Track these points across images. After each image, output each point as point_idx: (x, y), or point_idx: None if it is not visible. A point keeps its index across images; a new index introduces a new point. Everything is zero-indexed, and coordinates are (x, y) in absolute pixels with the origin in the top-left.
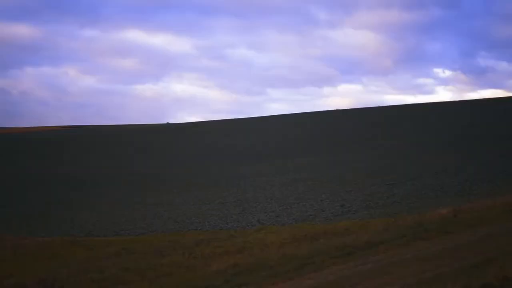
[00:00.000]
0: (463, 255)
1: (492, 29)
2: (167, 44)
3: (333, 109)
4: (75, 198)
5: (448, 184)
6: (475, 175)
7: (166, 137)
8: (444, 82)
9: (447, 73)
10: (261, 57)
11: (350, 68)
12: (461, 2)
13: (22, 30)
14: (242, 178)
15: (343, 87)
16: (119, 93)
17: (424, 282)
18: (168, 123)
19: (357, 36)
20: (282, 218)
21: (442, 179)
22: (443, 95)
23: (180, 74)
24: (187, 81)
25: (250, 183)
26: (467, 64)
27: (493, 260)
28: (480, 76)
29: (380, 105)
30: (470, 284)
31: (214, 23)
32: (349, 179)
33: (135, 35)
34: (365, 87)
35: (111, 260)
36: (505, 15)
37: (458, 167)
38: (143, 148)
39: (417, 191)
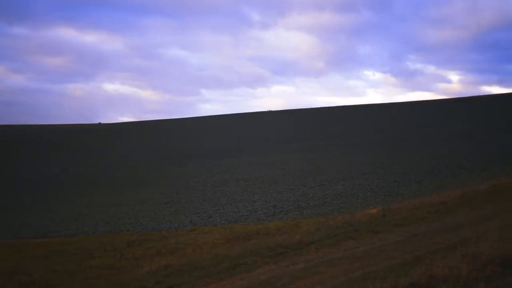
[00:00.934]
0: (391, 254)
1: (421, 33)
2: (99, 43)
3: (266, 110)
4: (0, 199)
5: (377, 185)
6: (403, 175)
7: (98, 137)
8: (375, 84)
9: (378, 75)
10: (194, 57)
11: (283, 69)
12: (392, 6)
13: None
14: (174, 179)
15: (276, 88)
16: (49, 92)
17: (354, 281)
18: (99, 123)
19: (290, 37)
20: (215, 219)
21: (372, 180)
22: (374, 97)
23: (112, 74)
24: (119, 80)
25: (183, 184)
26: (396, 67)
27: (420, 259)
28: (409, 79)
29: (312, 107)
30: (398, 283)
31: (147, 22)
32: (281, 179)
33: (66, 33)
34: (297, 89)
35: (40, 262)
36: (433, 20)
37: (387, 167)
38: (73, 149)
39: (348, 192)
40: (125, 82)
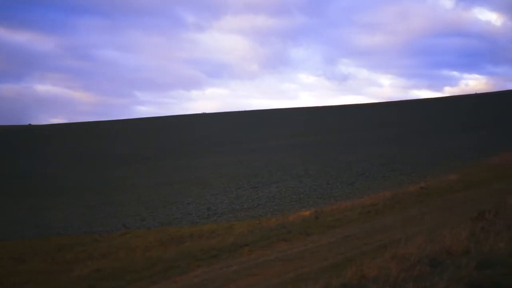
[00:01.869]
0: (324, 256)
1: (354, 38)
2: (30, 42)
3: (200, 112)
4: None
5: (310, 187)
6: (336, 178)
7: (28, 139)
8: (308, 87)
9: (311, 79)
10: (128, 58)
11: (218, 72)
12: (325, 10)
13: None
14: (107, 182)
15: (211, 91)
16: None
17: (287, 283)
18: (30, 124)
19: (225, 40)
20: (148, 222)
21: (305, 182)
22: (307, 100)
23: (43, 74)
24: (51, 81)
25: (115, 187)
26: (329, 70)
27: (351, 260)
28: (342, 82)
29: (247, 109)
30: (330, 284)
31: (79, 22)
32: (215, 182)
33: None
34: (232, 91)
35: None
36: (365, 25)
37: (320, 170)
38: (2, 151)
39: (281, 194)
40: (57, 83)
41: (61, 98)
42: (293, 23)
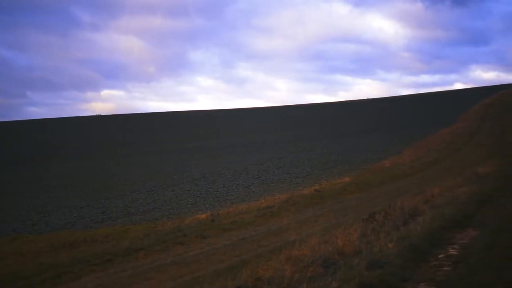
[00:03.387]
0: (220, 258)
1: (251, 42)
2: None
3: (95, 114)
4: None
5: (206, 190)
6: (232, 180)
7: None
8: (206, 90)
9: (209, 82)
10: (21, 58)
11: (114, 73)
12: (223, 14)
13: None
14: None
15: (107, 92)
16: None
17: (182, 286)
18: None
19: (121, 40)
20: (40, 226)
21: (201, 185)
22: (205, 103)
23: None
24: None
25: (5, 190)
26: (227, 73)
27: (247, 262)
28: (240, 85)
29: (143, 112)
30: (226, 286)
31: None
32: (110, 185)
33: None
34: (128, 93)
35: None
36: (263, 29)
37: (216, 173)
38: None
39: (177, 197)
40: None
41: None
42: (191, 25)
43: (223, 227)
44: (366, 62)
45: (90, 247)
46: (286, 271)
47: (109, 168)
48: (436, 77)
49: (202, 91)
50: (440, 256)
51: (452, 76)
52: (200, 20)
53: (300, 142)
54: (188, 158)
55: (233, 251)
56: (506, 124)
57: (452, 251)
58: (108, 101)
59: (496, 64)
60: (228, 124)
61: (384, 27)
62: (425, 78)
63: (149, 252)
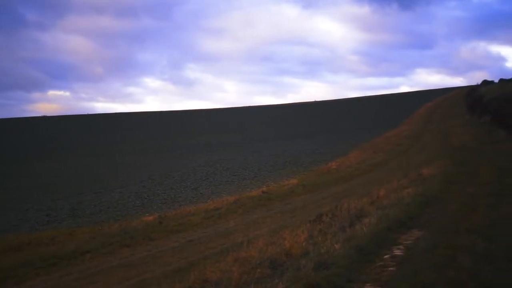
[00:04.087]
0: (167, 261)
1: (200, 43)
2: None
3: (41, 115)
4: None
5: (154, 192)
6: (180, 182)
7: None
8: (154, 92)
9: (156, 83)
10: None
11: (61, 73)
12: (171, 14)
13: None
14: None
15: (53, 93)
16: None
17: None
18: None
19: (69, 40)
20: None
21: (149, 187)
22: (152, 104)
23: None
24: None
25: None
26: (176, 75)
27: (194, 264)
28: (188, 87)
29: (90, 113)
30: None
31: None
32: (56, 187)
33: None
34: (75, 94)
35: None
36: (212, 30)
37: (163, 175)
38: None
39: (124, 199)
40: None
41: None
42: (139, 25)
43: (170, 229)
44: (314, 64)
45: (35, 250)
46: (234, 272)
47: (55, 170)
48: (383, 80)
49: (150, 92)
50: (386, 256)
51: (398, 79)
52: (149, 21)
53: (248, 143)
54: (136, 159)
55: (181, 253)
56: (450, 126)
57: (397, 252)
58: (54, 102)
59: (441, 67)
60: (176, 126)
61: (332, 30)
62: (372, 81)
63: (96, 254)
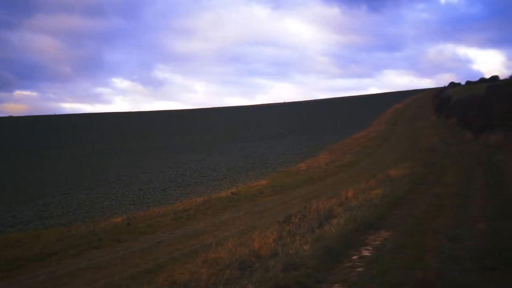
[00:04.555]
0: (135, 262)
1: (170, 43)
2: None
3: (7, 115)
4: None
5: (122, 193)
6: (148, 183)
7: None
8: (122, 92)
9: (125, 83)
10: None
11: (27, 73)
12: (140, 14)
13: None
14: None
15: (20, 93)
16: None
17: None
18: None
19: (36, 40)
20: None
21: (117, 188)
22: (121, 105)
23: None
24: None
25: None
26: (145, 75)
27: (163, 266)
28: (157, 88)
29: (57, 113)
30: None
31: None
32: (22, 188)
33: None
34: (42, 94)
35: None
36: (181, 31)
37: (132, 176)
38: None
39: (92, 200)
40: None
41: None
42: (108, 25)
43: (139, 230)
44: (284, 65)
45: (1, 252)
46: (203, 274)
47: (21, 171)
48: (352, 82)
49: (119, 92)
50: (354, 257)
51: (367, 81)
52: (118, 20)
53: (218, 145)
54: (103, 160)
55: (149, 255)
56: (417, 128)
57: (365, 253)
58: (21, 102)
59: (409, 69)
60: (144, 127)
61: (301, 31)
62: (341, 82)
63: (63, 256)
